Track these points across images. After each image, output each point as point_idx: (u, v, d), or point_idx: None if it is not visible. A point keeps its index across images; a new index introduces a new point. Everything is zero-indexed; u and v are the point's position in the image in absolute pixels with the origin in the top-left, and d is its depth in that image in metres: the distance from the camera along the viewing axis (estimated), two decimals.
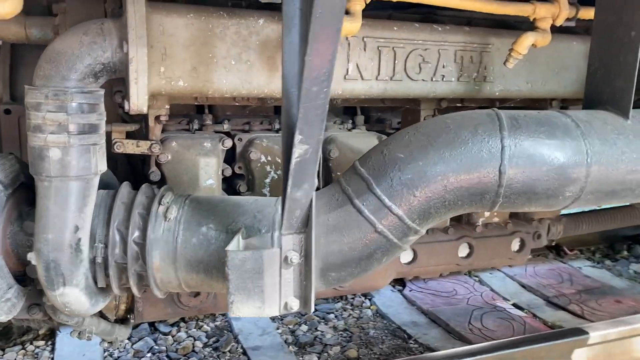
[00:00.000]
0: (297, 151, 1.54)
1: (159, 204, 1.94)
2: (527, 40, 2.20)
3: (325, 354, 3.52)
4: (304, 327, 3.80)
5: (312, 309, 1.73)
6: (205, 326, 3.65)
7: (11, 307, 1.92)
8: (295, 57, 1.49)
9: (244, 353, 3.50)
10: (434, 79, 2.37)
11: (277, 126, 2.72)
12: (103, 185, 2.11)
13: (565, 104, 2.96)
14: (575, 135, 1.90)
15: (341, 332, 3.79)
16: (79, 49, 1.75)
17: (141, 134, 2.28)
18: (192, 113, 2.49)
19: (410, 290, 4.28)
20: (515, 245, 3.40)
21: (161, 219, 1.91)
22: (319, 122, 1.51)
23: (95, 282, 1.96)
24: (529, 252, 3.46)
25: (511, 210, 1.95)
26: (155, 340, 3.61)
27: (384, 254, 1.92)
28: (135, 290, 1.97)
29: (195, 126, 2.39)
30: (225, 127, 2.47)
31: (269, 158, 2.53)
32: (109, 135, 2.14)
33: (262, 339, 3.62)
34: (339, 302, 4.05)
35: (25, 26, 2.11)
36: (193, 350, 3.58)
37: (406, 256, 3.15)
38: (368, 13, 2.39)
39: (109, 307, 2.40)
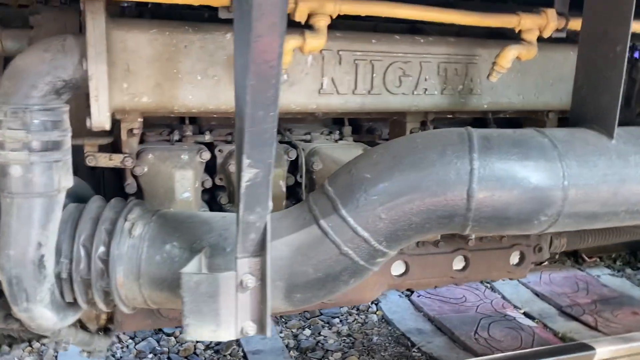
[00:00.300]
0: (247, 175, 1.51)
1: (125, 219, 1.92)
2: (510, 53, 2.10)
3: None
4: (307, 332, 3.79)
5: (269, 333, 1.70)
6: None
7: None
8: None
9: (244, 357, 3.51)
10: (415, 93, 2.29)
11: None
12: (77, 198, 2.10)
13: (565, 115, 2.84)
14: (551, 156, 1.81)
15: (344, 338, 3.76)
16: (39, 66, 1.74)
17: (119, 146, 2.26)
18: (175, 123, 2.46)
19: (418, 296, 4.23)
20: (514, 258, 3.30)
21: (126, 235, 1.89)
22: (267, 146, 1.48)
23: (63, 297, 1.96)
24: (529, 266, 3.35)
25: (485, 234, 1.88)
26: (158, 341, 3.65)
27: (351, 275, 1.87)
28: (101, 306, 1.96)
29: (176, 137, 2.36)
30: (207, 138, 2.43)
31: None
32: (81, 148, 2.14)
33: (264, 342, 3.63)
34: (344, 306, 4.03)
35: (1, 38, 2.11)
36: (194, 353, 3.61)
37: (398, 268, 3.08)
38: (352, 23, 2.34)
39: (90, 317, 2.42)
